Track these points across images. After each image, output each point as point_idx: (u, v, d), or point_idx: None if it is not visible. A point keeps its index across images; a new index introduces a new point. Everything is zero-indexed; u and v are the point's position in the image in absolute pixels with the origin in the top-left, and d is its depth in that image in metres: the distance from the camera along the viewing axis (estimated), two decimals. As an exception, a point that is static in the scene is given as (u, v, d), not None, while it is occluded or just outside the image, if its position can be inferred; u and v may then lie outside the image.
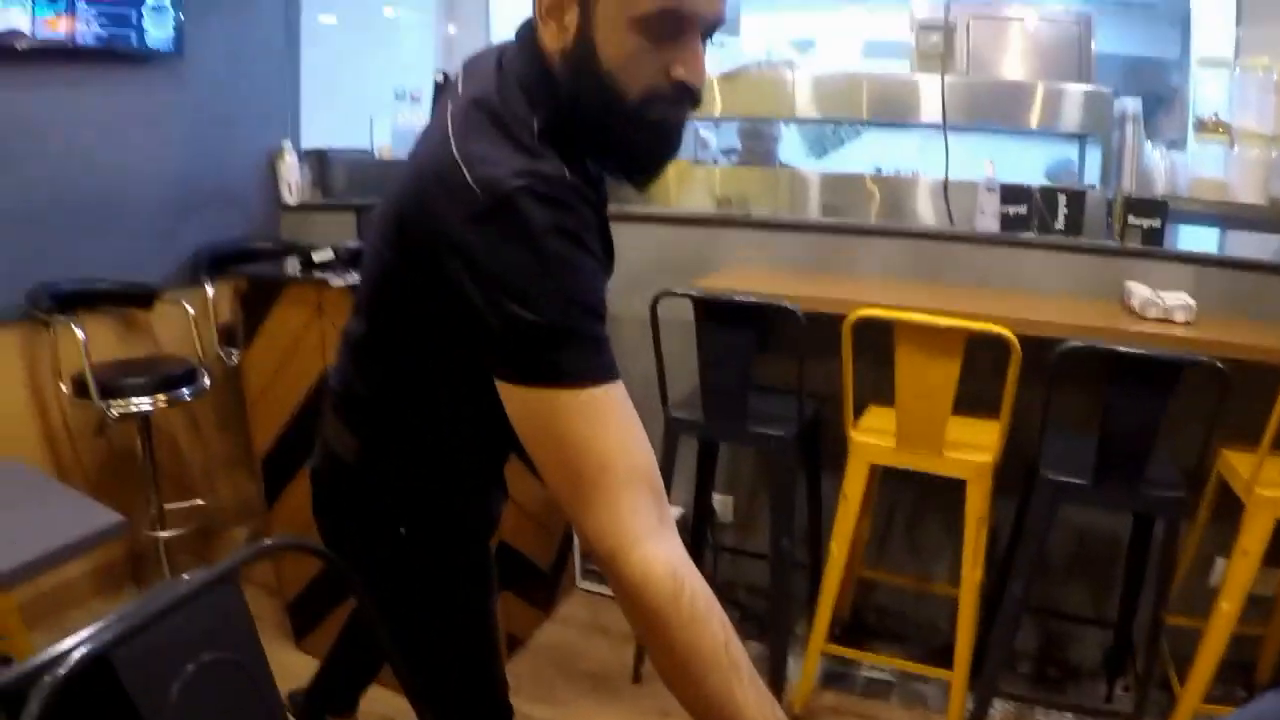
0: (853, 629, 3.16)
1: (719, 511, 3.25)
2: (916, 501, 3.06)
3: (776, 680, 2.70)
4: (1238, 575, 2.29)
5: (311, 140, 3.71)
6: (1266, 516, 2.22)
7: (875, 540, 3.11)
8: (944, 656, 2.52)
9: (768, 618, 2.86)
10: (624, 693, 2.81)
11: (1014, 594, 2.38)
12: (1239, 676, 2.93)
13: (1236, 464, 2.39)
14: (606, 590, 3.25)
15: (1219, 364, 2.04)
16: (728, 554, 3.34)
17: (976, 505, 2.34)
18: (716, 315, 2.39)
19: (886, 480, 2.98)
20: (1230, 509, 2.40)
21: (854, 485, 2.43)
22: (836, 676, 2.97)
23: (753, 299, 2.34)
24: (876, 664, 3.01)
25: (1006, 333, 2.14)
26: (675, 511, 3.13)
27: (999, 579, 2.73)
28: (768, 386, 2.73)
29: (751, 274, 2.89)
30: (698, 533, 3.15)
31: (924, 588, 3.09)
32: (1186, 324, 2.44)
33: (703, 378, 2.48)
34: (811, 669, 2.68)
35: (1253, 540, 2.24)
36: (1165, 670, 2.73)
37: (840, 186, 3.46)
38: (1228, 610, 2.32)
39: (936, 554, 3.07)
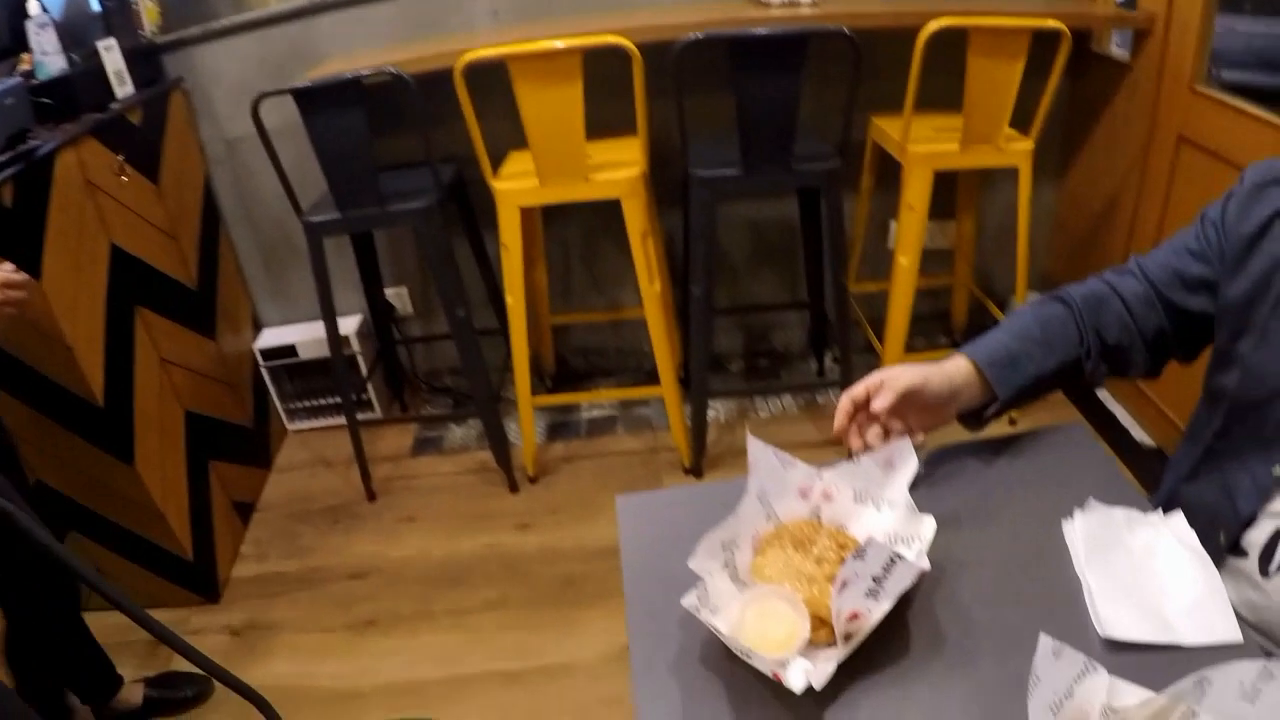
0: (561, 376, 3.25)
1: (398, 306, 3.15)
2: (585, 236, 3.09)
3: (500, 447, 2.75)
4: (908, 230, 2.50)
5: None
6: (923, 170, 2.41)
7: (557, 285, 3.15)
8: (655, 376, 2.65)
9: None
10: (365, 513, 2.77)
11: (697, 296, 2.47)
12: (939, 326, 3.33)
13: (887, 128, 2.55)
14: (319, 423, 3.13)
15: (845, 30, 2.09)
16: (420, 344, 3.28)
17: (636, 220, 2.37)
18: (320, 103, 2.18)
19: (550, 223, 2.99)
20: (891, 173, 2.58)
21: (510, 233, 2.39)
22: (560, 427, 3.07)
23: (349, 74, 2.14)
24: (593, 402, 3.14)
25: (624, 42, 2.08)
26: (353, 320, 3.00)
27: (686, 288, 2.82)
28: (402, 164, 2.60)
29: (360, 56, 2.65)
30: (382, 332, 3.07)
31: (617, 316, 3.19)
32: (814, 4, 2.52)
33: (326, 173, 2.29)
34: (529, 427, 2.73)
35: (915, 195, 2.43)
36: (865, 334, 3.01)
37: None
38: (905, 264, 2.54)
39: (619, 281, 3.16)
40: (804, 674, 0.96)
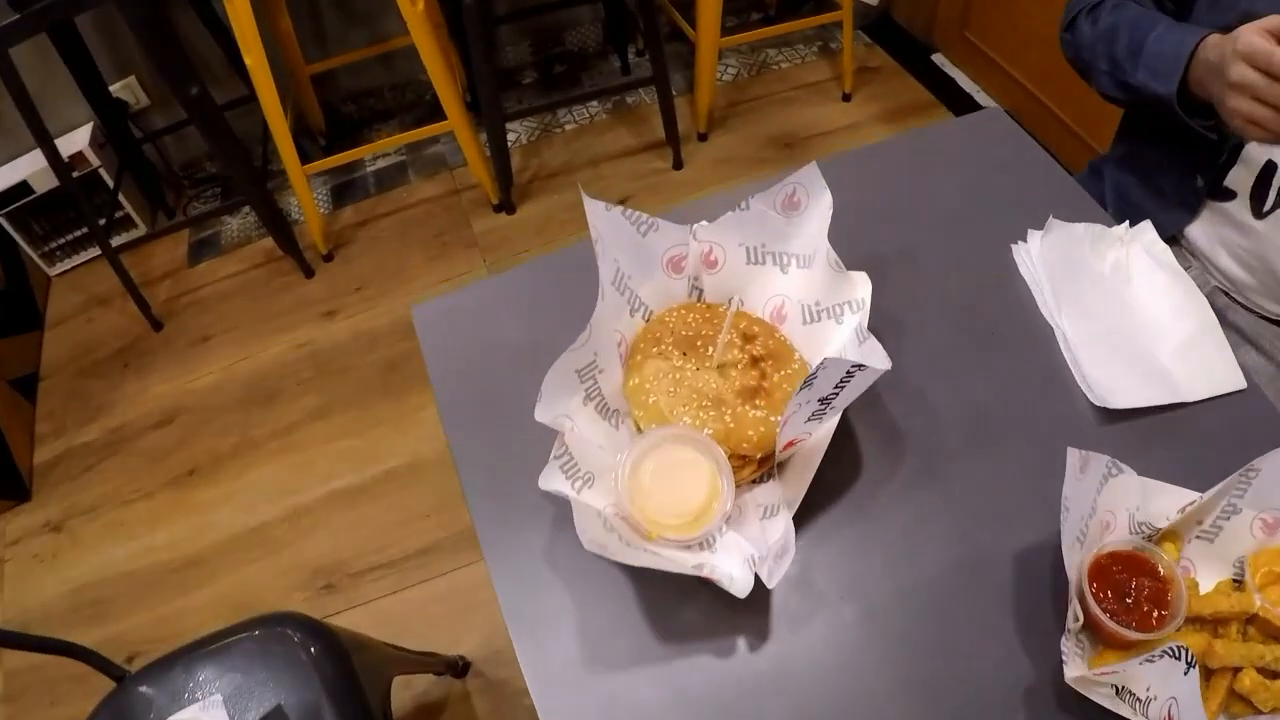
0: (337, 132, 2.80)
1: (129, 99, 2.60)
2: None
3: (282, 230, 2.36)
4: None
5: None
6: None
7: (306, 29, 2.61)
8: (440, 110, 2.24)
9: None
10: (154, 347, 2.39)
11: (468, 4, 2.02)
12: (749, 2, 2.90)
13: None
14: (84, 257, 2.66)
15: None
16: (167, 137, 2.75)
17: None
18: None
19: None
20: None
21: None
22: (345, 189, 2.67)
23: None
24: (376, 153, 2.70)
25: None
26: (84, 132, 2.46)
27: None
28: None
29: None
30: (120, 135, 2.54)
31: (383, 49, 2.69)
32: None
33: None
34: (308, 198, 2.33)
35: None
36: (671, 19, 2.59)
37: None
38: None
39: (378, 9, 2.63)
40: (747, 565, 0.69)
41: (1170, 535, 0.78)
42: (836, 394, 0.69)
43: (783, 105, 2.59)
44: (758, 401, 0.75)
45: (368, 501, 1.92)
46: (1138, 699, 0.68)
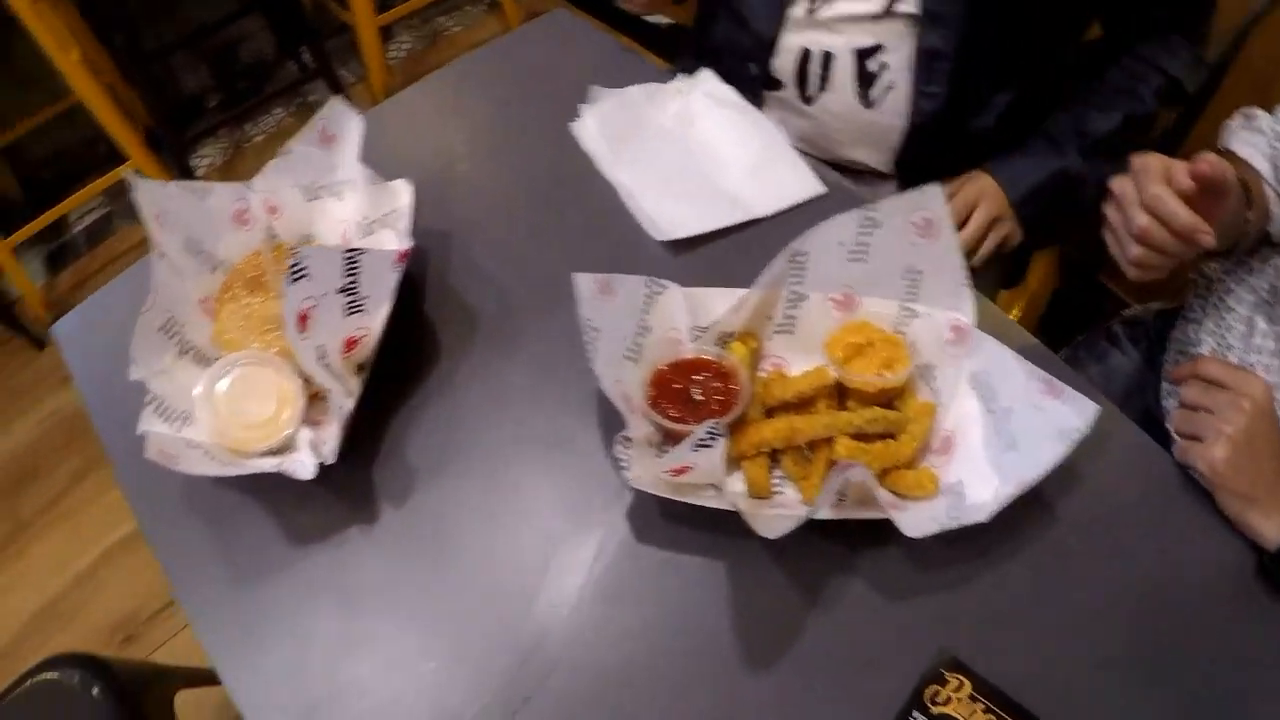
0: (34, 200, 2.65)
1: None
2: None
3: (5, 313, 2.31)
4: None
5: None
6: None
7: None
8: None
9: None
10: None
11: (118, 45, 2.07)
12: None
13: None
14: None
15: None
16: None
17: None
18: None
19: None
20: None
21: None
22: (58, 254, 2.62)
23: None
24: (78, 209, 2.65)
25: None
26: None
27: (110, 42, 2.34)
28: None
29: None
30: None
31: (64, 106, 2.60)
32: None
33: None
34: (19, 273, 2.30)
35: None
36: (331, 14, 2.58)
37: None
38: None
39: (46, 71, 2.49)
40: (310, 450, 0.77)
41: (744, 337, 0.79)
42: (355, 284, 0.76)
43: (463, 68, 2.66)
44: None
45: (142, 546, 1.96)
46: (719, 491, 0.71)
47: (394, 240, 0.89)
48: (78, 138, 2.74)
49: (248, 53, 2.84)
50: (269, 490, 0.82)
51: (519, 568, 0.78)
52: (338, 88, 2.39)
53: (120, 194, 2.66)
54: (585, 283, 0.74)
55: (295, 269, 0.71)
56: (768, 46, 1.05)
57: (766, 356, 0.80)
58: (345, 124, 0.91)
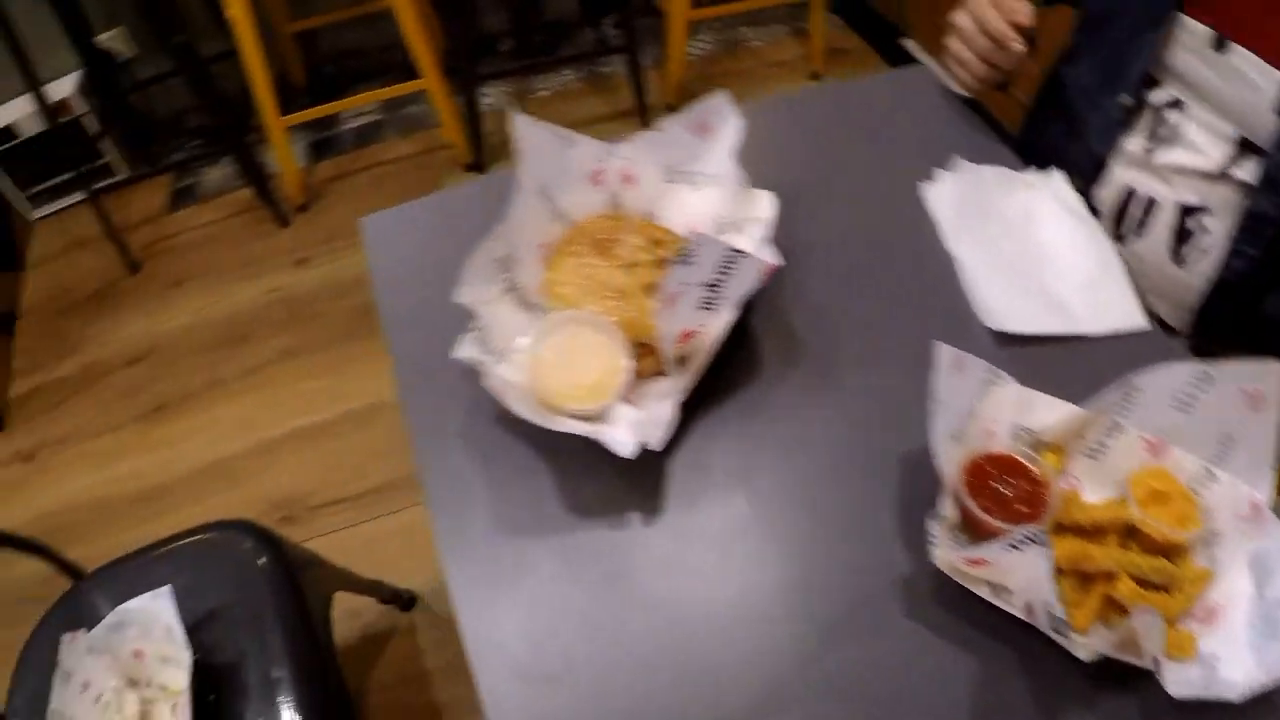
0: (318, 90, 2.85)
1: (117, 49, 2.65)
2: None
3: (260, 180, 2.44)
4: None
5: None
6: None
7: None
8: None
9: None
10: (130, 288, 2.46)
11: None
12: None
13: None
14: (66, 202, 2.70)
15: None
16: (155, 87, 2.80)
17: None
18: None
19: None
20: None
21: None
22: (323, 145, 2.73)
23: None
24: (355, 110, 2.77)
25: None
26: (71, 79, 2.51)
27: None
28: None
29: None
30: (107, 84, 2.59)
31: (367, 10, 2.74)
32: None
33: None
34: (285, 150, 2.39)
35: None
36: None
37: None
38: None
39: None
40: (633, 430, 0.76)
41: (1054, 448, 0.80)
42: (722, 282, 0.75)
43: (752, 81, 2.66)
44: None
45: (329, 439, 1.99)
46: (1010, 593, 0.71)
47: (744, 246, 0.86)
48: (373, 42, 2.85)
49: (552, 9, 2.90)
50: (553, 449, 0.81)
51: (786, 611, 0.74)
52: (636, 68, 2.39)
53: (396, 106, 2.75)
54: (945, 355, 0.73)
55: (687, 252, 0.71)
56: (1097, 168, 1.02)
57: (1064, 473, 0.80)
58: (724, 119, 0.90)
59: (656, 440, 0.75)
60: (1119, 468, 0.78)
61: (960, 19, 1.02)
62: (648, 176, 0.91)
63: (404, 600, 1.72)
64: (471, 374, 0.80)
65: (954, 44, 1.04)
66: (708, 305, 0.77)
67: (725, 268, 0.74)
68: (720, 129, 0.90)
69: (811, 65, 2.65)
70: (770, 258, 0.78)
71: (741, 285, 0.76)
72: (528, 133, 0.83)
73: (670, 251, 0.84)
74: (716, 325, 0.80)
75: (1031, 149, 1.12)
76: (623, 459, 0.75)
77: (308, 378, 2.12)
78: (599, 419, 0.79)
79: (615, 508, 0.79)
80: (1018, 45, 0.96)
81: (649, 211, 0.91)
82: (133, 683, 1.04)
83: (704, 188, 0.91)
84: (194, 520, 1.90)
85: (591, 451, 0.76)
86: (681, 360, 0.82)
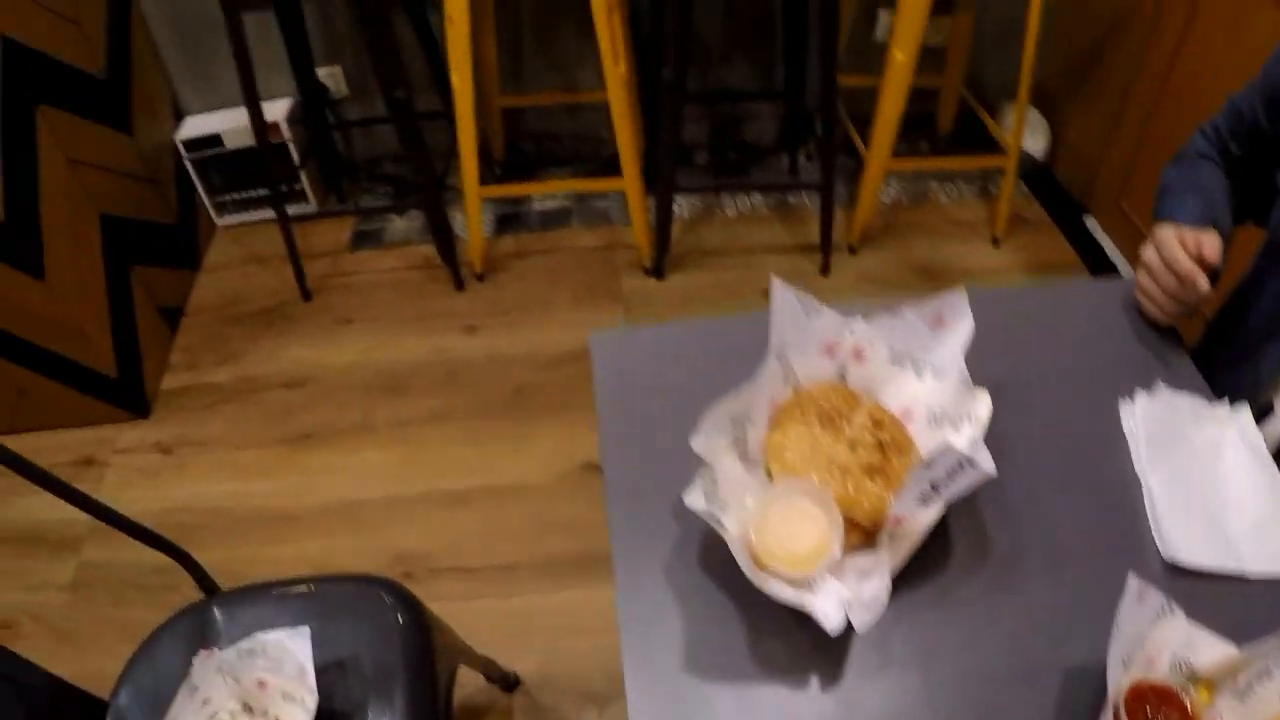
0: (512, 165, 2.95)
1: (331, 87, 2.80)
2: (541, 10, 2.70)
3: (445, 241, 2.51)
4: (908, 22, 2.14)
5: None
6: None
7: (508, 64, 2.79)
8: (614, 167, 2.37)
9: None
10: (300, 314, 2.55)
11: (668, 80, 2.16)
12: (920, 131, 2.98)
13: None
14: (251, 216, 2.84)
15: None
16: (357, 129, 2.95)
17: (598, -11, 2.02)
18: None
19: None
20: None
21: (455, 4, 2.03)
22: (509, 219, 2.81)
23: None
24: (546, 193, 2.86)
25: None
26: (282, 105, 2.67)
27: (653, 71, 2.52)
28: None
29: None
30: (315, 116, 2.74)
31: (575, 99, 2.85)
32: None
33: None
34: (476, 219, 2.47)
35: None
36: (846, 132, 2.71)
37: None
38: (902, 60, 2.21)
39: (578, 61, 2.80)
40: (841, 608, 0.79)
41: (1208, 683, 0.81)
42: (945, 483, 0.77)
43: (934, 237, 2.67)
44: (877, 479, 0.85)
45: (464, 509, 2.01)
46: None
47: (957, 442, 0.90)
48: (571, 129, 2.96)
49: (750, 132, 2.98)
50: (749, 602, 0.84)
51: None
52: (829, 207, 2.43)
53: (586, 197, 2.84)
54: (1133, 586, 0.76)
55: (930, 458, 0.76)
56: (1264, 410, 1.04)
57: (1212, 708, 0.80)
58: (959, 316, 0.93)
59: (862, 624, 0.77)
60: (1260, 711, 0.78)
61: (1149, 255, 1.05)
62: (877, 357, 0.95)
63: (509, 682, 1.70)
64: (681, 510, 0.84)
65: (1143, 278, 1.07)
66: (925, 499, 0.80)
67: (954, 471, 0.77)
68: (954, 324, 0.93)
69: (994, 230, 2.64)
70: (986, 463, 0.79)
71: (959, 489, 0.79)
72: (780, 296, 0.87)
73: (889, 435, 0.88)
74: (927, 516, 0.84)
75: (1208, 362, 1.13)
76: (813, 624, 0.77)
77: (454, 443, 2.15)
78: (804, 586, 0.81)
79: (799, 668, 0.82)
80: (1204, 285, 0.98)
81: (870, 390, 0.95)
82: (249, 709, 1.06)
83: (928, 378, 0.94)
84: (315, 553, 1.95)
85: (783, 610, 0.80)
86: (886, 541, 0.85)
